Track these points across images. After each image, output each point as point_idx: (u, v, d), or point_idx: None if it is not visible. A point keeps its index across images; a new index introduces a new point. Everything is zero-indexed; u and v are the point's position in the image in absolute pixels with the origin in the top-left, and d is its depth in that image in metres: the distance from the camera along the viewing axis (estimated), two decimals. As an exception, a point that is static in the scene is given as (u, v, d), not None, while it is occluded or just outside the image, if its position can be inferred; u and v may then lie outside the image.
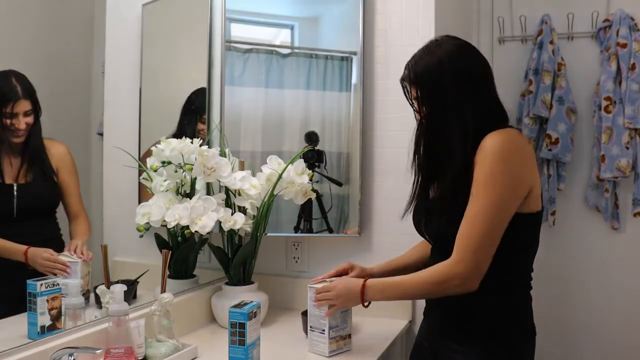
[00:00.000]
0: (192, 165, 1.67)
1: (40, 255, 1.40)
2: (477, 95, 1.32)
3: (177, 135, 1.86)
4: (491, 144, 1.23)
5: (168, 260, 1.56)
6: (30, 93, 1.40)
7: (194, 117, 1.99)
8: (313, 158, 1.92)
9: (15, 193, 1.40)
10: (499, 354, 1.29)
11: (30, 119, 1.41)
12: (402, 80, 1.37)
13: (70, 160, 1.55)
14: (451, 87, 1.30)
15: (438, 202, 1.37)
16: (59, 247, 1.49)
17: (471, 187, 1.25)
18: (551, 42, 2.51)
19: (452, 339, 1.34)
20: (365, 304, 1.42)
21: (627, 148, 2.41)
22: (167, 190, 1.69)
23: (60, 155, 1.53)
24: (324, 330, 1.48)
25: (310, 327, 1.51)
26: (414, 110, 1.37)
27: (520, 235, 1.27)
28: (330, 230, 1.96)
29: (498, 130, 1.26)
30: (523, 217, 1.26)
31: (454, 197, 1.29)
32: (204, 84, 1.98)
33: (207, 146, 1.73)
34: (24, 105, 1.39)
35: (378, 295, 1.39)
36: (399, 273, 1.50)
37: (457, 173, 1.28)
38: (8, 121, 1.37)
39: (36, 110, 1.42)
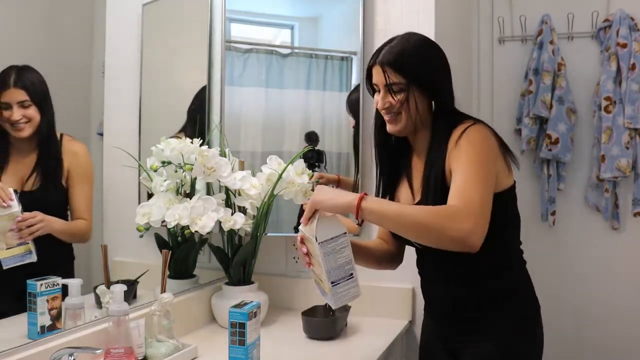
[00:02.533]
0: (192, 165, 1.67)
1: None
2: (450, 84, 1.36)
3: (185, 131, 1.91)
4: (463, 131, 1.25)
5: (168, 260, 1.55)
6: (25, 83, 1.34)
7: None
8: (313, 158, 1.92)
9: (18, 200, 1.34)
10: (511, 330, 1.32)
11: (29, 112, 1.35)
12: (382, 64, 1.31)
13: (85, 164, 1.51)
14: (436, 72, 1.32)
15: (421, 203, 1.32)
16: (65, 247, 1.48)
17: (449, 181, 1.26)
18: (551, 42, 2.51)
19: (467, 332, 1.36)
20: (358, 221, 1.23)
21: (627, 148, 2.41)
22: (167, 190, 1.69)
23: (75, 156, 1.48)
24: (352, 273, 1.29)
25: (333, 282, 1.27)
26: (388, 98, 1.32)
27: (504, 213, 1.29)
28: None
29: (464, 122, 1.28)
30: (502, 195, 1.28)
31: (438, 197, 1.27)
32: (204, 84, 1.98)
33: (207, 146, 1.73)
34: (17, 95, 1.33)
35: (377, 205, 1.20)
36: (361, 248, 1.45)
37: (439, 170, 1.28)
38: (6, 113, 1.32)
39: (39, 103, 1.36)
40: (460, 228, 1.12)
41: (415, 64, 1.30)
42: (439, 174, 1.27)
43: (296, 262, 2.03)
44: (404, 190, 1.42)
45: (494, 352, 1.31)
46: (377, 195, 1.46)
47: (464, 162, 1.22)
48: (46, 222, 1.38)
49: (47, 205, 1.41)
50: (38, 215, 1.36)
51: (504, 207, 1.29)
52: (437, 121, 1.33)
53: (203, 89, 1.99)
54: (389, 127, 1.36)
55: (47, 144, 1.42)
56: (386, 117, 1.35)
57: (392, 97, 1.31)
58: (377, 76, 1.33)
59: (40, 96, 1.37)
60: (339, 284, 1.29)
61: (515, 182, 1.35)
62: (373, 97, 1.39)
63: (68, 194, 1.48)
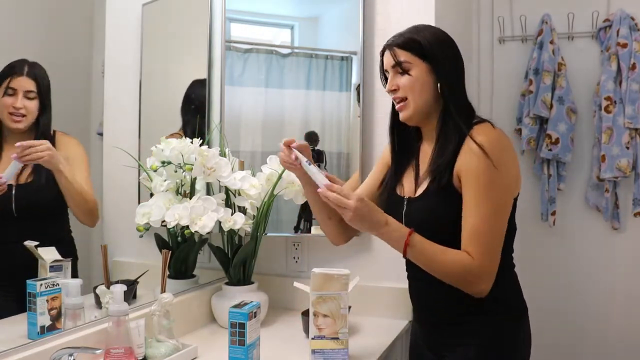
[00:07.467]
0: (192, 165, 1.67)
1: None
2: (463, 81, 1.38)
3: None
4: (483, 142, 1.24)
5: (168, 260, 1.55)
6: (37, 75, 1.37)
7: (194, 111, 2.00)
8: (313, 158, 1.91)
9: (13, 193, 1.37)
10: (494, 335, 1.32)
11: (31, 105, 1.37)
12: (390, 47, 1.34)
13: (80, 154, 1.53)
14: (454, 62, 1.34)
15: (423, 196, 1.34)
16: (69, 247, 1.48)
17: (459, 180, 1.26)
18: (551, 42, 2.51)
19: (451, 335, 1.36)
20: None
21: (628, 148, 2.41)
22: (167, 190, 1.69)
23: (69, 149, 1.50)
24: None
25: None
26: (396, 80, 1.34)
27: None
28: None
29: (484, 126, 1.29)
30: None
31: (441, 189, 1.29)
32: (195, 78, 1.98)
33: (207, 146, 1.73)
34: (26, 83, 1.35)
35: (418, 249, 1.27)
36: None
37: (445, 163, 1.28)
38: (8, 100, 1.34)
39: (43, 98, 1.38)
40: (479, 290, 1.26)
41: (425, 44, 1.32)
42: (445, 172, 1.28)
43: (296, 262, 2.03)
44: (407, 180, 1.42)
45: (476, 356, 1.31)
46: (383, 184, 1.48)
47: (482, 192, 1.23)
48: (53, 153, 1.39)
49: (41, 198, 1.43)
50: (46, 143, 1.38)
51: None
52: (445, 111, 1.32)
53: (194, 83, 1.99)
54: (400, 115, 1.37)
55: (43, 139, 1.43)
56: (396, 105, 1.37)
57: (400, 77, 1.33)
58: (387, 60, 1.36)
59: (46, 91, 1.40)
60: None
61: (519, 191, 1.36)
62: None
63: None
